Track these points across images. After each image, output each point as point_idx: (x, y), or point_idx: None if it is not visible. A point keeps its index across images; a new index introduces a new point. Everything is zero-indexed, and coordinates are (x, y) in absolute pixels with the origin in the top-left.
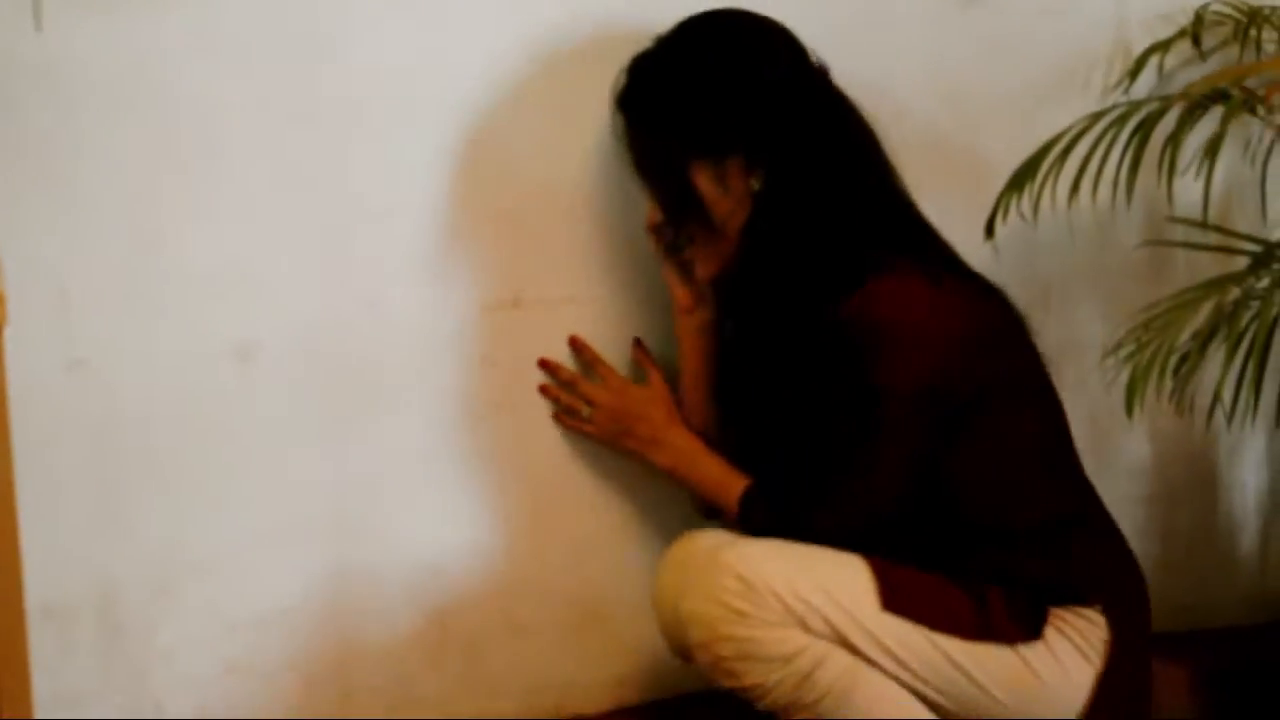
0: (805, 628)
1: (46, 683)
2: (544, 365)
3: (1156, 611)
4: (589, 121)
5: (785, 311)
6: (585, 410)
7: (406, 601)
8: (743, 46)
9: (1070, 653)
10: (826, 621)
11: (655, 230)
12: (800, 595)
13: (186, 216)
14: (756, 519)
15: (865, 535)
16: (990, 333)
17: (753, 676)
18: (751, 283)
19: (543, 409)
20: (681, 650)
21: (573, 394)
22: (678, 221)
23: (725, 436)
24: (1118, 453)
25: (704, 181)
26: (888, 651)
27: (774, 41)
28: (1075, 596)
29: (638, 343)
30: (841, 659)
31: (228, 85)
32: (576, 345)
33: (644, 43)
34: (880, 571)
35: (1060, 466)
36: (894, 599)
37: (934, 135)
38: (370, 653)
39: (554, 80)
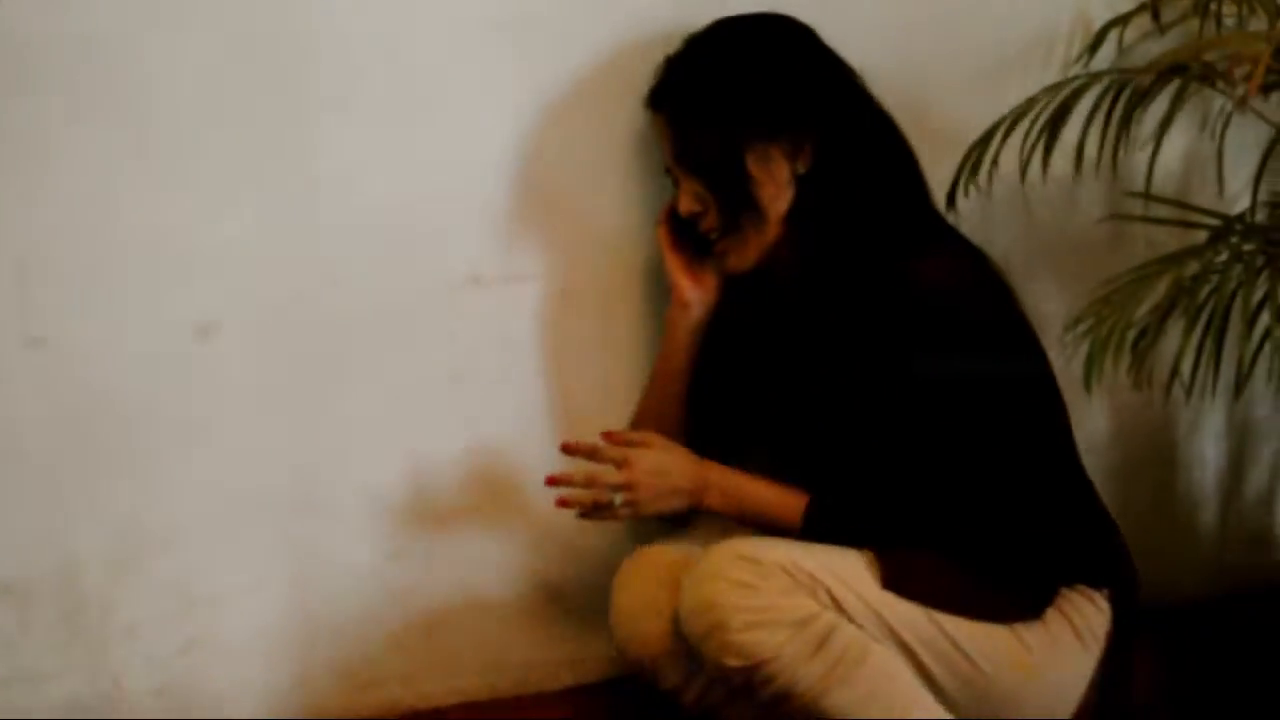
0: (813, 597)
1: (5, 660)
2: (552, 481)
3: None
4: (549, 94)
5: (855, 283)
6: (617, 498)
7: (367, 579)
8: (783, 35)
9: (1068, 638)
10: (830, 594)
11: (666, 223)
12: (804, 569)
13: (146, 193)
14: (830, 525)
15: (936, 517)
16: (1026, 316)
17: (766, 648)
18: (813, 261)
19: (502, 384)
20: (654, 660)
21: (594, 489)
22: (732, 209)
23: (698, 433)
24: (1077, 427)
25: (753, 165)
26: (888, 627)
27: (810, 34)
28: (1087, 578)
29: (607, 434)
30: (852, 628)
31: (189, 60)
32: (567, 448)
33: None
34: (879, 554)
35: (1074, 453)
36: (893, 579)
37: (894, 109)
38: (331, 630)
39: (512, 52)
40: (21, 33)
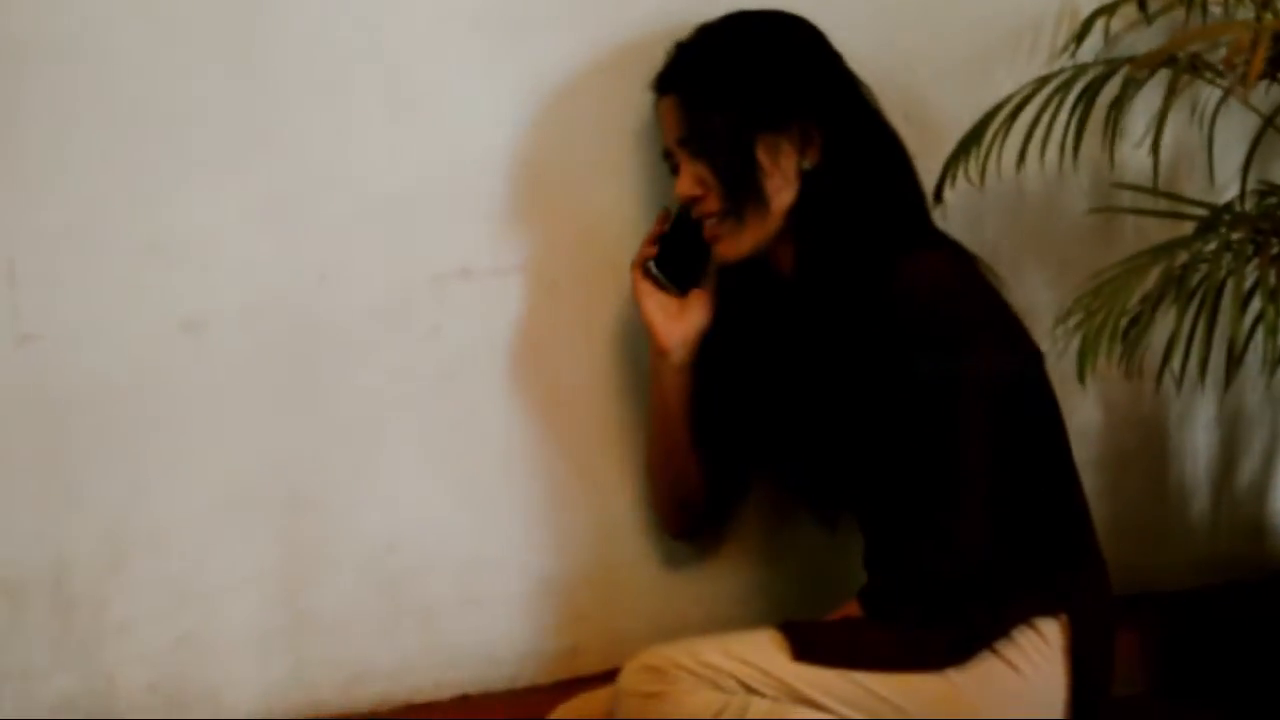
0: (718, 688)
1: None
2: None
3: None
4: (537, 87)
5: (848, 281)
6: None
7: (360, 573)
8: (797, 31)
9: (1001, 672)
10: (736, 679)
11: (640, 266)
12: (706, 661)
13: (134, 189)
14: (887, 603)
15: (985, 543)
16: (1017, 317)
17: None
18: (812, 258)
19: (492, 378)
20: None
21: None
22: (737, 194)
23: (713, 465)
24: (1069, 418)
25: (762, 154)
26: (803, 696)
27: (820, 35)
28: (1036, 609)
29: None
30: (765, 702)
31: (173, 55)
32: None
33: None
34: (789, 629)
35: (1059, 455)
36: (804, 649)
37: (881, 101)
38: (324, 625)
39: (500, 45)
40: (6, 28)
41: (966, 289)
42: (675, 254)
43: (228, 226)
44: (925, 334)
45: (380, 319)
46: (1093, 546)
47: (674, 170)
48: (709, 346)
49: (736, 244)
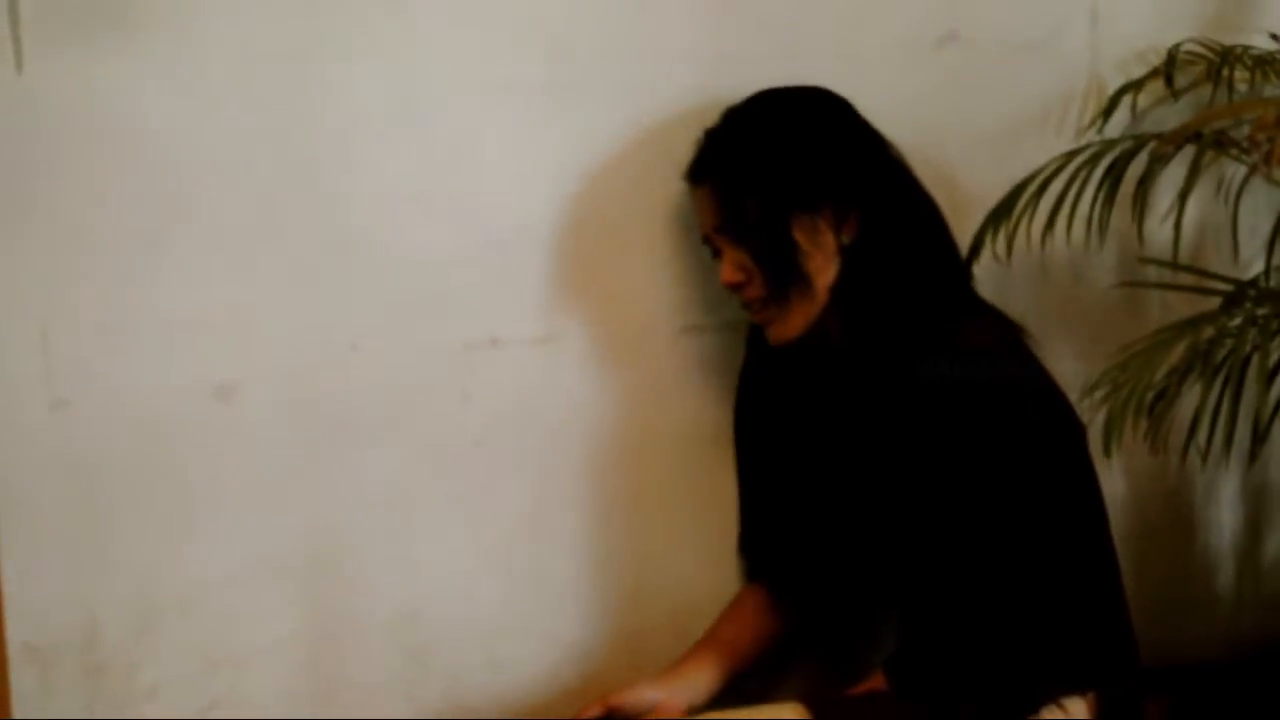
0: None
1: None
2: None
3: None
4: (570, 158)
5: (901, 351)
6: None
7: (387, 639)
8: (824, 106)
9: None
10: None
11: None
12: None
13: (166, 256)
14: (923, 675)
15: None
16: (1062, 392)
17: None
18: (861, 331)
19: (521, 447)
20: None
21: None
22: (780, 278)
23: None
24: None
25: (800, 235)
26: None
27: (848, 107)
28: (1066, 688)
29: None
30: None
31: (206, 125)
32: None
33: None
34: (813, 701)
35: (1100, 526)
36: None
37: None
38: (351, 689)
39: (534, 116)
40: (44, 98)
41: (1029, 355)
42: None
43: (260, 294)
44: (975, 402)
45: (411, 387)
46: (1125, 626)
47: (715, 254)
48: (757, 442)
49: (786, 326)
